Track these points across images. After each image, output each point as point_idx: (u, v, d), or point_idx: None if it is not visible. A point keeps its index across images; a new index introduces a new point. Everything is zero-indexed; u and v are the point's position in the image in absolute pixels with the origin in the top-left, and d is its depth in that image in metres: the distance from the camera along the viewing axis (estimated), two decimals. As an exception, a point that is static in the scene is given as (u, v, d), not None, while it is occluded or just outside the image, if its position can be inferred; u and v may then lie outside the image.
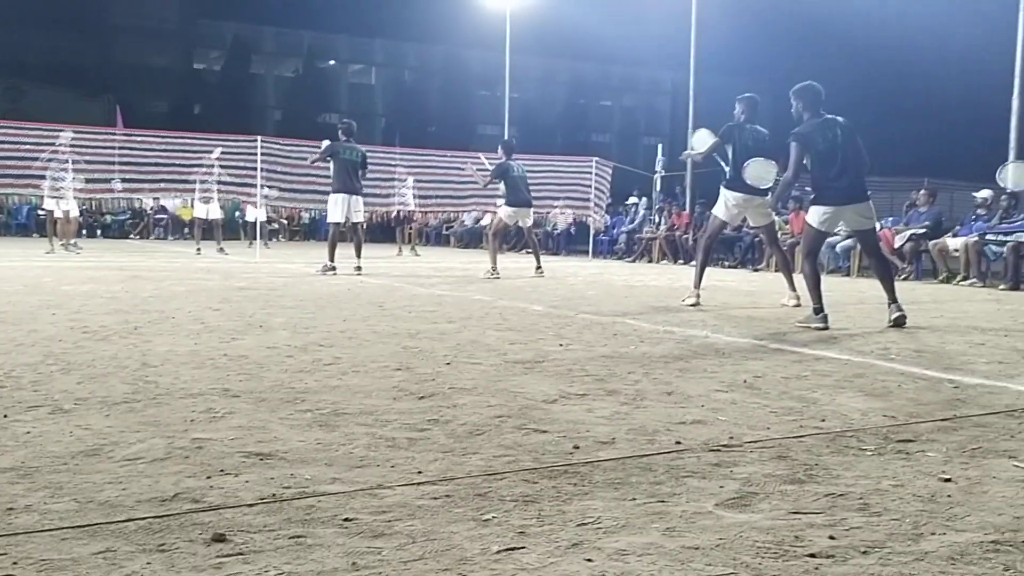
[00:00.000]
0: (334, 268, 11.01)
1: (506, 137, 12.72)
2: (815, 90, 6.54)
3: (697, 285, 7.85)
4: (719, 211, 8.16)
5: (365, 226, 11.88)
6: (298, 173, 16.59)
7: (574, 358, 4.48)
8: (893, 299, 6.33)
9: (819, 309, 6.21)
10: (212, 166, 16.17)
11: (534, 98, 53.37)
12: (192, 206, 21.84)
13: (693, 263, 16.46)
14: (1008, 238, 11.56)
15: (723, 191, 8.09)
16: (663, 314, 6.92)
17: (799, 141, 6.35)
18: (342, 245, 11.67)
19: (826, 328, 5.98)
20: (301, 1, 49.38)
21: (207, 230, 17.06)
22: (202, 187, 16.32)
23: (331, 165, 11.33)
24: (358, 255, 11.49)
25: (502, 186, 12.41)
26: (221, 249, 16.20)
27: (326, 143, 11.79)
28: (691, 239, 17.28)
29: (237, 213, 23.57)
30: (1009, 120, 14.33)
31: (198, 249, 16.14)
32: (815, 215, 6.46)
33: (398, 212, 19.27)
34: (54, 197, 15.59)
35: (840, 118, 6.48)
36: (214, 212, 16.94)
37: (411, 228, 19.84)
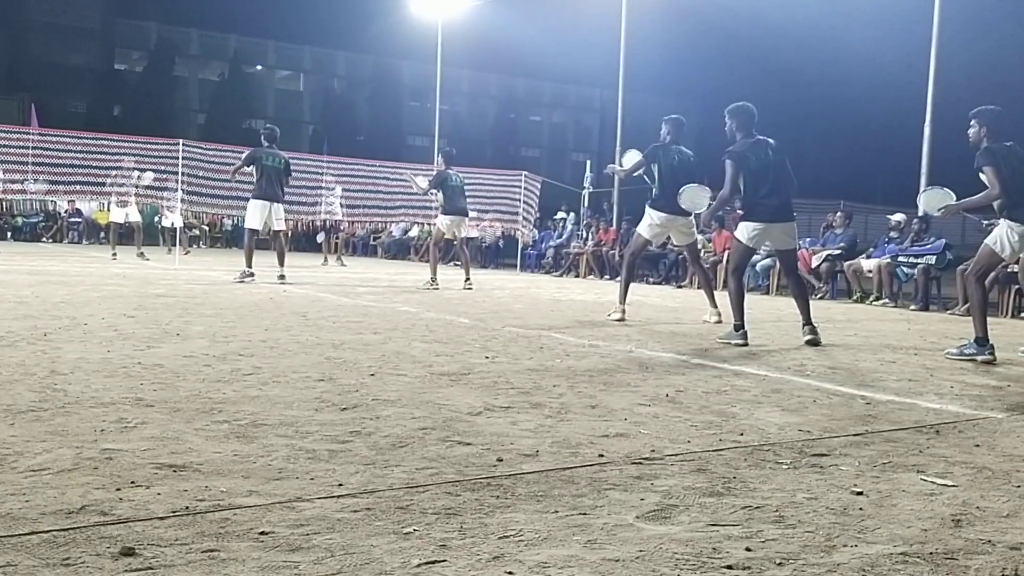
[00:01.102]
0: (252, 274, 10.78)
1: (446, 147, 12.87)
2: (749, 111, 6.73)
3: (622, 300, 7.94)
4: (643, 229, 8.31)
5: (289, 234, 11.67)
6: (220, 179, 16.25)
7: (499, 371, 4.48)
8: (807, 320, 6.49)
9: (740, 326, 6.35)
10: (131, 169, 15.71)
11: (464, 111, 53.53)
12: (108, 209, 21.17)
13: (619, 279, 16.72)
14: (919, 260, 12.02)
15: (648, 210, 8.24)
16: (588, 328, 6.97)
17: (733, 160, 6.52)
18: (265, 253, 11.47)
19: (745, 345, 6.12)
20: (228, 5, 48.54)
21: (124, 234, 16.59)
22: (119, 190, 15.84)
23: (253, 171, 11.13)
24: (281, 263, 11.31)
25: (440, 196, 12.45)
26: (141, 254, 15.73)
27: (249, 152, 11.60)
28: (617, 255, 17.50)
29: (156, 218, 22.99)
30: (921, 147, 14.94)
31: (114, 254, 15.68)
32: (744, 231, 6.63)
33: (324, 221, 19.05)
34: None
35: (771, 140, 6.69)
36: (132, 216, 16.45)
37: (338, 237, 19.62)
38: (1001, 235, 5.90)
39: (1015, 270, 9.40)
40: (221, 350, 4.77)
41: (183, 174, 15.50)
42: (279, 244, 11.59)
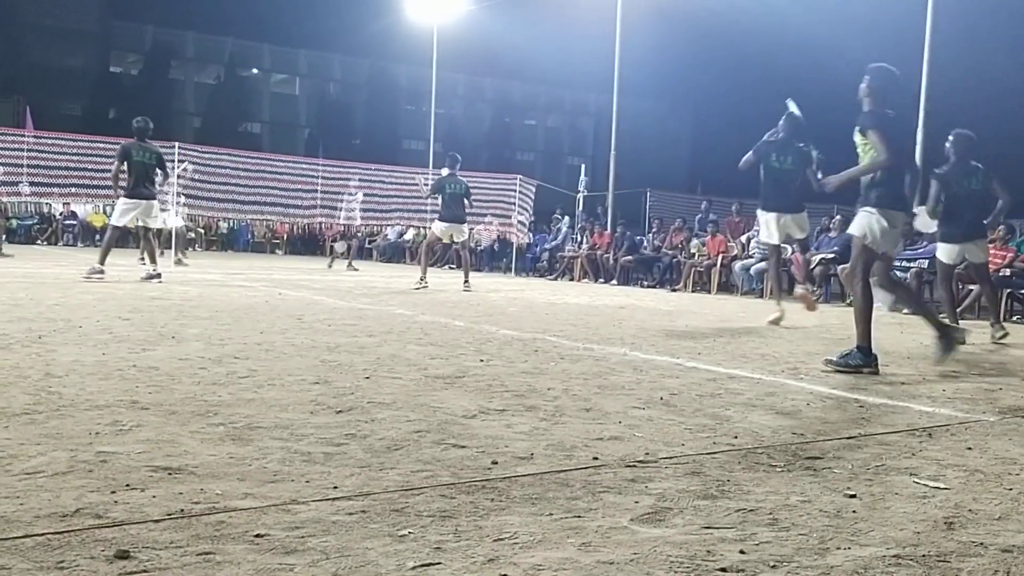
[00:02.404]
0: (102, 272, 10.27)
1: (451, 153, 13.01)
2: (969, 138, 7.53)
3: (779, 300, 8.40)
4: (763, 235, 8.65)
5: (161, 233, 11.18)
6: (216, 181, 16.26)
7: (494, 374, 4.48)
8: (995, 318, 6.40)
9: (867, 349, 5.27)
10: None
11: (460, 115, 53.54)
12: (105, 212, 21.16)
13: (613, 282, 16.73)
14: (911, 264, 12.07)
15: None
16: (583, 331, 6.98)
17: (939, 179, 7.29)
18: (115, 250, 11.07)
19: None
20: (224, 8, 48.52)
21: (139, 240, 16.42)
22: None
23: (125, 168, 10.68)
24: (152, 261, 10.86)
25: (439, 201, 12.66)
26: (179, 260, 15.55)
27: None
28: (612, 258, 17.53)
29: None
30: (913, 151, 14.97)
31: (178, 260, 15.49)
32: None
33: (345, 227, 18.90)
34: None
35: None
36: (172, 221, 16.21)
37: (352, 243, 19.35)
38: (867, 224, 5.33)
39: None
40: (216, 353, 4.77)
41: (179, 177, 15.50)
42: (148, 243, 11.11)
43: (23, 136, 18.09)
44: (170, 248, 16.79)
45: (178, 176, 15.56)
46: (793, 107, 8.45)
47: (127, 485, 2.28)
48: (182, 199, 16.43)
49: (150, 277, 10.35)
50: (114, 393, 3.50)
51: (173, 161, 15.37)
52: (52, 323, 5.80)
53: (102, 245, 10.80)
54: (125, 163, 10.59)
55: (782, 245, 8.85)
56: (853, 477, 2.71)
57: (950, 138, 7.71)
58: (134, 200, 10.51)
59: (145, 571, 1.73)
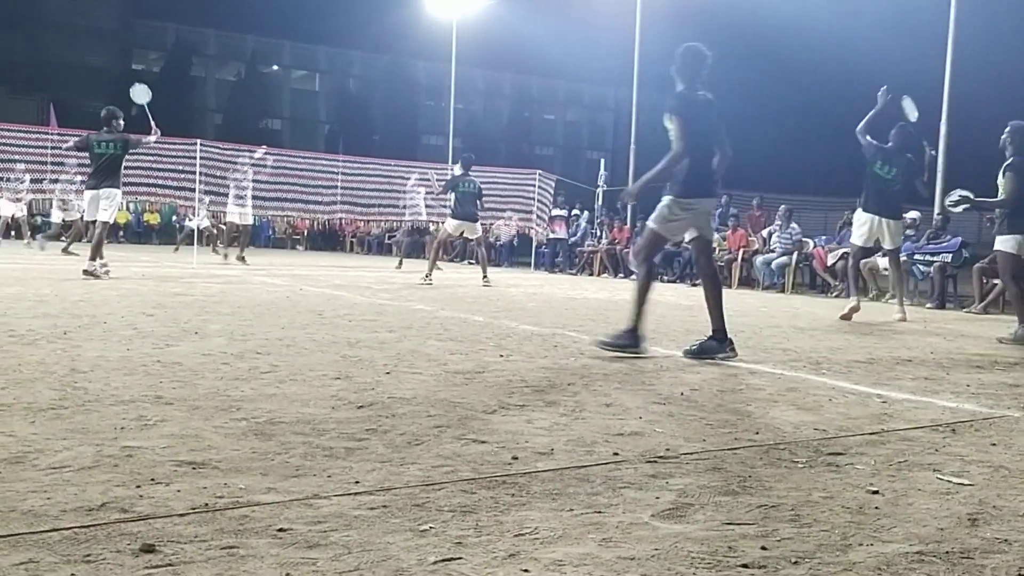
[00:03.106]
0: (106, 266, 10.17)
1: (465, 154, 13.15)
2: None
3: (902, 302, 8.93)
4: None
5: (108, 225, 10.61)
6: (237, 178, 16.33)
7: (514, 369, 4.49)
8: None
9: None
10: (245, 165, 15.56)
11: (479, 110, 53.56)
12: (128, 209, 21.37)
13: (633, 276, 16.70)
14: (935, 258, 11.95)
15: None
16: (603, 326, 6.97)
17: None
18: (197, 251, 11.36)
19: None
20: (244, 5, 48.76)
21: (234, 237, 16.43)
22: (239, 191, 15.61)
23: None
24: (92, 257, 10.14)
25: (452, 198, 12.85)
26: (242, 258, 15.40)
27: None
28: (631, 254, 17.49)
29: (174, 218, 23.17)
30: (937, 144, 14.83)
31: (241, 257, 15.47)
32: (1016, 244, 7.22)
33: (411, 224, 18.80)
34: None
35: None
36: (247, 218, 16.16)
37: (416, 239, 18.89)
38: (658, 211, 5.30)
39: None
40: (239, 348, 4.80)
41: (201, 174, 15.61)
42: (97, 235, 10.42)
43: (47, 134, 18.29)
44: (192, 245, 16.92)
45: (253, 166, 15.57)
46: (909, 108, 8.64)
47: (152, 479, 2.31)
48: (207, 199, 16.54)
49: (89, 273, 9.83)
50: (139, 388, 3.54)
51: (195, 159, 15.48)
52: (77, 319, 5.86)
53: (93, 242, 10.47)
54: (87, 154, 10.32)
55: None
56: (876, 473, 2.69)
57: (1007, 129, 7.45)
58: (91, 191, 10.27)
59: (170, 564, 1.75)
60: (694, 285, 14.96)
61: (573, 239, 20.18)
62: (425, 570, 1.78)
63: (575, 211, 21.71)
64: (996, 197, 7.38)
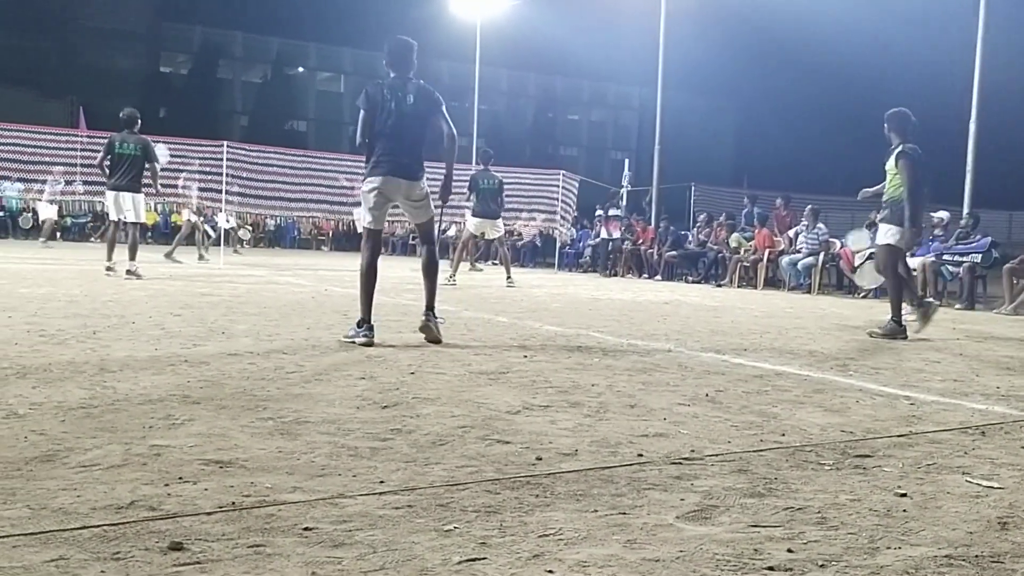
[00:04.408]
0: (112, 268, 10.34)
1: (484, 149, 13.06)
2: (908, 116, 7.21)
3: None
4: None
5: (143, 227, 10.92)
6: (264, 179, 16.47)
7: (538, 369, 4.49)
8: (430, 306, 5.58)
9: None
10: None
11: (503, 110, 53.60)
12: (156, 210, 21.60)
13: (657, 277, 16.64)
14: (964, 259, 11.80)
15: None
16: (627, 327, 6.96)
17: (912, 160, 6.92)
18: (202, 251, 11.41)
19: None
20: (270, 7, 49.11)
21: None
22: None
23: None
24: (132, 256, 10.38)
25: (472, 197, 12.71)
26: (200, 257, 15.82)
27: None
28: (656, 253, 17.42)
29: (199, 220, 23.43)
30: (967, 143, 14.66)
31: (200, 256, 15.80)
32: (894, 235, 7.00)
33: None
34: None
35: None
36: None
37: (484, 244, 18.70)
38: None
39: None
40: (265, 348, 4.84)
41: (228, 175, 15.74)
42: (132, 237, 10.66)
43: (77, 136, 18.54)
44: (219, 245, 17.07)
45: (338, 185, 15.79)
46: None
47: (180, 478, 2.33)
48: (236, 199, 16.71)
49: (132, 274, 10.12)
50: (166, 388, 3.58)
51: (221, 160, 15.61)
52: (106, 319, 5.93)
53: (106, 241, 10.79)
54: (109, 156, 10.48)
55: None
56: (904, 476, 2.66)
57: (886, 117, 7.47)
58: (113, 192, 10.42)
59: (198, 563, 1.77)
60: (718, 286, 14.89)
61: (597, 239, 20.13)
62: (450, 570, 1.79)
63: (599, 212, 21.66)
64: (884, 182, 7.29)
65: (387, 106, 5.46)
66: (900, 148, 7.07)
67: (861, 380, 4.59)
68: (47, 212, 20.13)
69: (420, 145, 5.54)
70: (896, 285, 7.23)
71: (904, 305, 7.12)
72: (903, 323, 7.03)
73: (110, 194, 10.54)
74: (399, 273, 13.99)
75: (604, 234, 18.03)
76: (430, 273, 5.70)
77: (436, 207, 5.80)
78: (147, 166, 10.56)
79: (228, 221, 19.99)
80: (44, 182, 17.84)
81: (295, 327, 5.98)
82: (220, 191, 15.87)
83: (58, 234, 24.71)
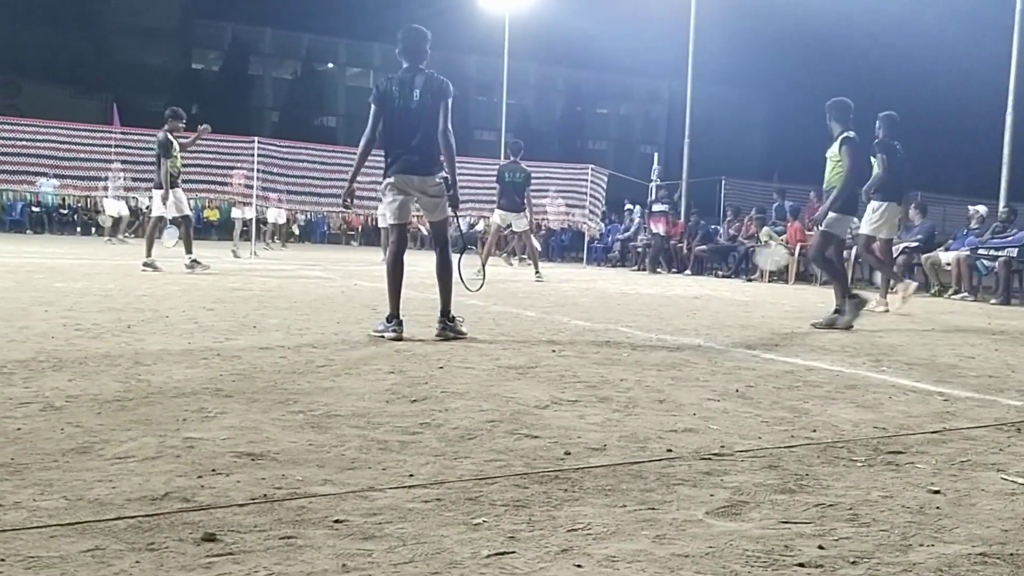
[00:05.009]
0: (153, 264, 10.53)
1: (513, 140, 13.05)
2: (848, 106, 7.31)
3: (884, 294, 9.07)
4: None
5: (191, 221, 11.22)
6: (293, 175, 16.59)
7: (566, 364, 4.49)
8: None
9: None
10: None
11: (531, 105, 53.51)
12: (191, 206, 21.78)
13: (687, 272, 16.54)
14: (999, 253, 11.61)
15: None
16: (656, 322, 6.93)
17: (856, 148, 7.13)
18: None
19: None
20: (300, 4, 49.37)
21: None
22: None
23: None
24: (189, 250, 10.91)
25: (499, 189, 12.73)
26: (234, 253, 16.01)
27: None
28: (685, 248, 17.33)
29: (235, 212, 23.64)
30: (1002, 135, 14.40)
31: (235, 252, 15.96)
32: (839, 224, 7.17)
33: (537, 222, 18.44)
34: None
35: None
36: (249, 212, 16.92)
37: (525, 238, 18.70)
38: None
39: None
40: (295, 342, 4.88)
41: (258, 171, 15.88)
42: (185, 231, 11.11)
43: (111, 132, 18.79)
44: (248, 241, 17.24)
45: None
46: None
47: (213, 470, 2.36)
48: (271, 195, 16.91)
49: (196, 263, 10.62)
50: (199, 381, 3.62)
51: (252, 156, 15.76)
52: (140, 313, 6.02)
53: (146, 237, 11.08)
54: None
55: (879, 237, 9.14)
56: (937, 473, 2.63)
57: (826, 107, 7.64)
58: (174, 189, 10.73)
59: (231, 554, 1.79)
60: (749, 280, 14.77)
61: (626, 234, 20.04)
62: (478, 563, 1.79)
63: (628, 206, 21.57)
64: (833, 171, 7.38)
65: (394, 103, 5.45)
66: (844, 135, 7.19)
67: (894, 376, 4.54)
68: (117, 208, 20.50)
69: (431, 139, 5.46)
70: (834, 271, 7.41)
71: (872, 294, 7.26)
72: (859, 304, 7.11)
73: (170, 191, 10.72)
74: (428, 268, 14.03)
75: (655, 229, 17.46)
76: (444, 277, 5.66)
77: (450, 215, 5.75)
78: (188, 155, 11.02)
79: (278, 217, 20.27)
80: (106, 179, 18.09)
81: (325, 321, 6.02)
82: (251, 186, 16.02)
83: (92, 229, 25.10)
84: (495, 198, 13.23)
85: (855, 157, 7.07)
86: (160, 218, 10.98)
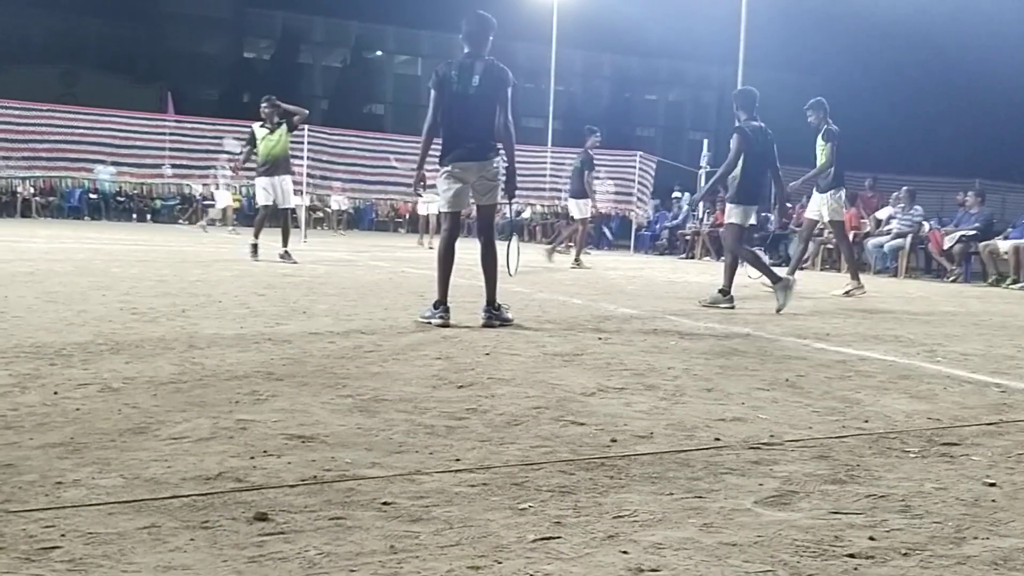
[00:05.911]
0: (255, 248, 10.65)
1: (587, 127, 13.14)
2: (752, 94, 7.43)
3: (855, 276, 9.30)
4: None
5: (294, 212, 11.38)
6: (343, 163, 16.74)
7: (613, 352, 4.47)
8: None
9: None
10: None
11: (579, 91, 53.20)
12: (240, 193, 22.18)
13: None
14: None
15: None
16: (704, 310, 6.86)
17: (743, 136, 7.17)
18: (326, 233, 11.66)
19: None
20: (349, -8, 49.61)
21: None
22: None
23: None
24: (285, 242, 10.90)
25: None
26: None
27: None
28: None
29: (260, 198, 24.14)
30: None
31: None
32: (741, 214, 7.27)
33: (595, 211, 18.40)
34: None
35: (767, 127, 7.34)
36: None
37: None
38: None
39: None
40: (344, 328, 4.94)
41: (308, 158, 16.05)
42: (284, 222, 11.14)
43: (165, 120, 19.15)
44: (299, 228, 17.47)
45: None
46: None
47: (264, 452, 2.41)
48: (335, 183, 17.15)
49: (287, 254, 10.70)
50: (251, 364, 3.69)
51: (303, 144, 15.92)
52: (194, 298, 6.14)
53: (255, 224, 11.36)
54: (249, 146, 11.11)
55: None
56: (993, 465, 2.57)
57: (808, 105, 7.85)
58: (265, 178, 10.88)
59: (282, 533, 1.82)
60: (800, 268, 14.55)
61: (675, 222, 19.87)
62: (524, 547, 1.80)
63: (675, 193, 21.36)
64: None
65: (452, 88, 5.42)
66: (736, 124, 7.34)
67: (949, 367, 4.44)
68: (224, 200, 21.01)
69: (489, 126, 5.45)
70: (749, 258, 7.49)
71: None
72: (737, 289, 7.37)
73: (262, 180, 10.89)
74: (476, 256, 14.08)
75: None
76: (488, 266, 5.60)
77: (503, 202, 5.77)
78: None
79: (341, 204, 20.52)
80: (213, 168, 18.48)
81: (373, 307, 6.08)
82: (300, 174, 16.20)
83: (148, 216, 25.63)
84: (557, 186, 13.47)
85: (738, 146, 7.25)
86: (265, 206, 11.07)
